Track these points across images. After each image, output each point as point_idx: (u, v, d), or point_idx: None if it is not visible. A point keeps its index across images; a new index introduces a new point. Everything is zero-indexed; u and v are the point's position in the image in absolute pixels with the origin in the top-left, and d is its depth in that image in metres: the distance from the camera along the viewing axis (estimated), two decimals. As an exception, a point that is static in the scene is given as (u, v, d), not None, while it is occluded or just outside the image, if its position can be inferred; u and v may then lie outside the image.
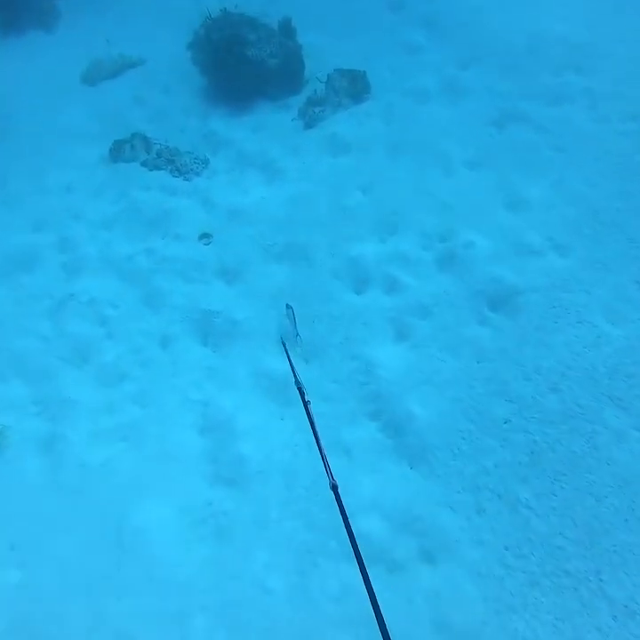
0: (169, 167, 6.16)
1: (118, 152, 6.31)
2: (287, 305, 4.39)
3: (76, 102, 7.26)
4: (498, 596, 3.33)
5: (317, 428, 2.65)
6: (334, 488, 2.16)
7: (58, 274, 5.30)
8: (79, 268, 5.30)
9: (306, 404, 2.87)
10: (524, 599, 3.30)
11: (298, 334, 4.35)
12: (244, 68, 6.74)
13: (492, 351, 4.29)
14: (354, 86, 6.61)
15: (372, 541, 3.54)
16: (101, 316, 4.89)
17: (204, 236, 5.39)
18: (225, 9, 7.37)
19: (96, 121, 6.98)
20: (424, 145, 5.93)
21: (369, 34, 7.50)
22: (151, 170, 6.20)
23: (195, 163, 6.14)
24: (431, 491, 3.73)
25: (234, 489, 3.85)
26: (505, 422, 3.93)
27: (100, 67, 7.56)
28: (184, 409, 4.26)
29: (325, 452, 2.47)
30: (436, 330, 4.47)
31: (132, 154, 6.31)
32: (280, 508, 3.74)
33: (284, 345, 4.27)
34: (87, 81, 7.55)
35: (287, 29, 7.47)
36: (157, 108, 6.99)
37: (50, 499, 3.98)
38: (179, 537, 3.71)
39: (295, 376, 3.43)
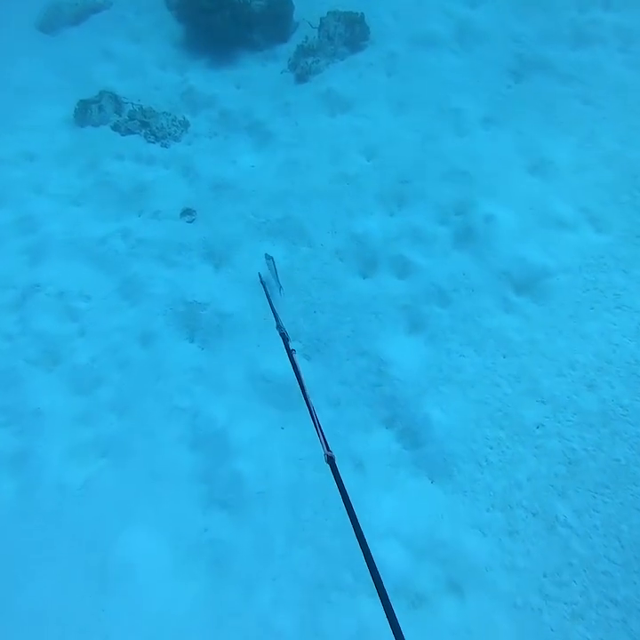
0: (143, 131, 5.46)
1: (85, 114, 5.58)
2: (266, 255, 4.13)
3: (33, 53, 6.43)
4: (536, 632, 2.95)
5: (307, 388, 2.11)
6: (331, 460, 1.76)
7: (20, 259, 4.69)
8: (44, 253, 4.69)
9: (290, 352, 2.40)
10: (566, 635, 2.92)
11: (281, 287, 4.06)
12: (224, 11, 5.94)
13: (519, 343, 3.80)
14: (351, 32, 5.85)
15: (392, 572, 3.13)
16: (72, 310, 4.32)
17: (187, 213, 4.77)
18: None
19: (57, 76, 6.19)
20: (433, 100, 5.26)
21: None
22: (123, 134, 5.50)
23: (173, 125, 5.43)
24: (456, 509, 3.30)
25: (231, 513, 3.40)
26: (537, 427, 3.48)
27: (58, 10, 6.67)
28: (171, 419, 3.76)
29: (317, 416, 2.02)
30: (455, 319, 3.96)
31: (101, 116, 5.59)
32: (285, 535, 3.30)
33: (263, 285, 3.81)
34: (45, 28, 6.68)
35: None
36: (128, 61, 6.20)
37: (23, 526, 3.52)
38: (171, 570, 3.29)
39: (277, 319, 2.93)
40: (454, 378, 3.72)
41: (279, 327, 2.83)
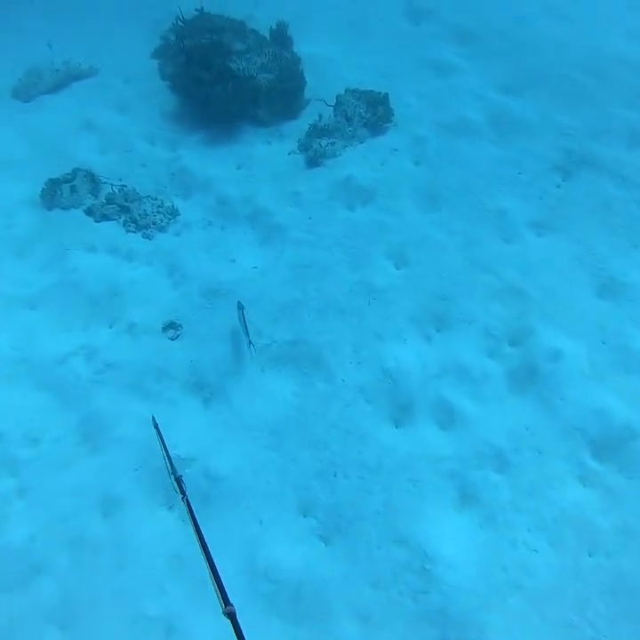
0: (123, 217, 4.78)
1: (53, 194, 4.91)
2: (239, 304, 3.84)
3: (3, 122, 5.83)
4: None
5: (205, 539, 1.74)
6: (231, 615, 1.46)
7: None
8: (-17, 374, 3.85)
9: (188, 500, 2.05)
10: None
11: (251, 343, 3.69)
12: (225, 84, 5.45)
13: (607, 532, 3.02)
14: (373, 113, 5.37)
15: None
16: (12, 460, 3.45)
17: (171, 327, 4.01)
18: (202, 9, 6.10)
19: (27, 147, 5.57)
20: (471, 195, 4.72)
21: (387, 47, 6.33)
22: (98, 221, 4.81)
23: (159, 212, 4.77)
24: None
25: None
26: (648, 668, 2.62)
27: (38, 77, 6.17)
28: (136, 634, 2.83)
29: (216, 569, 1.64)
30: (519, 492, 3.19)
31: (73, 197, 4.92)
32: None
33: (157, 431, 2.72)
34: (20, 95, 6.15)
35: (282, 37, 6.24)
36: (111, 133, 5.63)
37: None
38: None
39: (168, 461, 2.29)
40: (524, 584, 2.90)
41: (173, 472, 2.23)
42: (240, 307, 3.80)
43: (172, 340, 3.97)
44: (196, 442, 3.45)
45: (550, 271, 4.10)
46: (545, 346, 3.66)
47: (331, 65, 6.24)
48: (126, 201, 4.87)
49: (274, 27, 6.24)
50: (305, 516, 3.17)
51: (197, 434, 3.49)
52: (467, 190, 4.76)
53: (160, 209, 4.80)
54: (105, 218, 4.82)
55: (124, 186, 4.99)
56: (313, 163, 5.18)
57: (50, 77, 6.12)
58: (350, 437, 3.41)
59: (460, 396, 3.55)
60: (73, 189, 4.93)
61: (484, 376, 3.63)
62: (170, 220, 4.76)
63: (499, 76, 5.77)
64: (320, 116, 5.46)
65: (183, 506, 2.05)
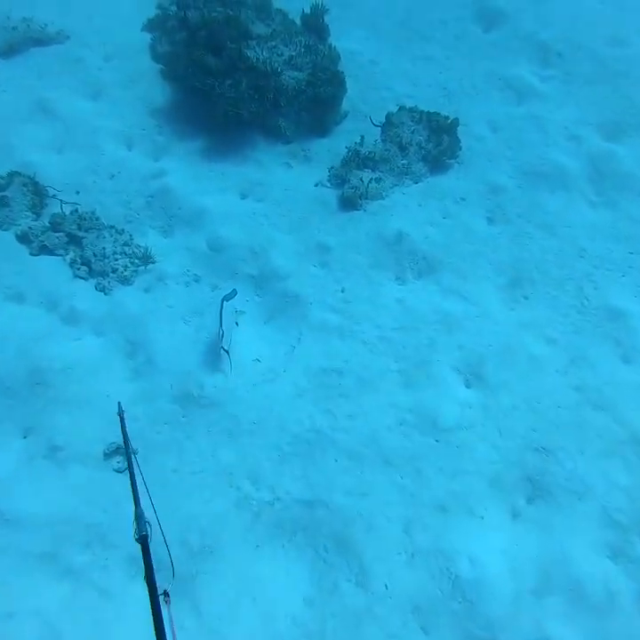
0: (71, 253, 3.55)
1: (-24, 206, 3.62)
2: (230, 293, 3.33)
3: None
4: None
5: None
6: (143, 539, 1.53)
7: None
8: None
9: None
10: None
11: (223, 349, 3.11)
12: (238, 78, 4.30)
13: None
14: (436, 143, 4.24)
15: None
16: None
17: (119, 453, 2.72)
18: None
19: (-47, 130, 4.24)
20: (570, 282, 3.56)
21: (449, 55, 5.16)
22: (35, 254, 3.60)
23: (124, 254, 3.54)
24: None
25: None
26: None
27: (-16, 33, 4.87)
28: None
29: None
30: None
31: (3, 214, 3.63)
32: None
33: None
34: (-43, 54, 4.84)
35: (317, 25, 5.19)
36: (74, 126, 4.45)
37: None
38: None
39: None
40: None
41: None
42: (229, 296, 3.27)
43: (119, 472, 2.68)
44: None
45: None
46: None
47: (374, 69, 5.06)
48: (80, 229, 3.63)
49: (307, 10, 5.05)
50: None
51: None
52: (563, 274, 3.59)
53: (126, 248, 3.56)
54: (45, 250, 3.60)
55: (79, 206, 3.71)
56: (349, 204, 3.99)
57: (1, 36, 4.79)
58: (395, 703, 2.17)
59: (571, 633, 2.33)
60: (4, 202, 3.63)
61: (608, 597, 2.44)
62: (139, 267, 3.52)
63: (595, 111, 4.65)
64: (362, 137, 4.29)
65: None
